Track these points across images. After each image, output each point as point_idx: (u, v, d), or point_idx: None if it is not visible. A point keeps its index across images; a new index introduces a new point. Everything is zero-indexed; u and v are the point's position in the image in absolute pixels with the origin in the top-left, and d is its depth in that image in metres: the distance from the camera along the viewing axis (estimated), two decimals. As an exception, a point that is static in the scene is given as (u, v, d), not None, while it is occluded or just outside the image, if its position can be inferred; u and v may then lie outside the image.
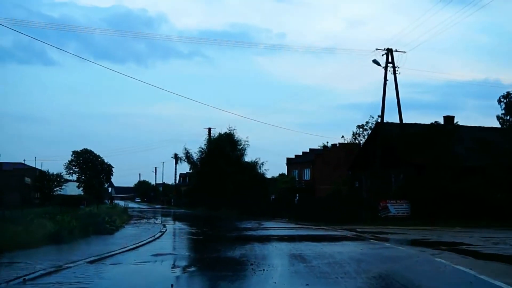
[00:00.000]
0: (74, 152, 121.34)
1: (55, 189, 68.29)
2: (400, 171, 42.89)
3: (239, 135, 68.94)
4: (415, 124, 45.58)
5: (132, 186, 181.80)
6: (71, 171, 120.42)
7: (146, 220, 42.56)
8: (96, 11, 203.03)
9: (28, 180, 65.32)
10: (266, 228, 32.99)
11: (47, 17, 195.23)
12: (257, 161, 67.84)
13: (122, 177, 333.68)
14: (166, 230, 29.32)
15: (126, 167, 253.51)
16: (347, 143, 70.27)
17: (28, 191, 67.11)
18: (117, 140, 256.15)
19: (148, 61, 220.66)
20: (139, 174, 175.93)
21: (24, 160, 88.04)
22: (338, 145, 75.35)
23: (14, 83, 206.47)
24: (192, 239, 26.18)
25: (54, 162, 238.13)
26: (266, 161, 68.70)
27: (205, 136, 70.40)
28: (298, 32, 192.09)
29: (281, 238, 24.33)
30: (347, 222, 37.03)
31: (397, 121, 44.03)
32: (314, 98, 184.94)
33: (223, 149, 66.45)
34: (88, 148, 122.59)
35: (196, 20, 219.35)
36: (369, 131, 54.81)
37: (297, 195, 51.20)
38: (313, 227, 34.52)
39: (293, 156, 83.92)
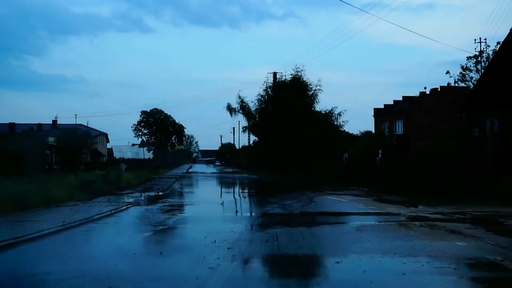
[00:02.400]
0: (143, 112, 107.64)
1: (82, 151, 53.53)
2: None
3: (309, 77, 50.92)
4: None
5: (217, 149, 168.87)
6: (140, 133, 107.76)
7: (140, 194, 26.29)
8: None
9: (52, 140, 51.32)
10: (302, 219, 15.45)
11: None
12: (332, 111, 49.67)
13: (208, 139, 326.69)
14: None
15: (211, 130, 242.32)
16: (453, 86, 50.81)
17: (51, 155, 53.21)
18: (202, 105, 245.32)
19: (242, 24, 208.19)
20: (221, 136, 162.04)
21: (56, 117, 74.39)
22: (439, 89, 55.87)
23: (112, 50, 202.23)
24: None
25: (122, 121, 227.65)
26: (344, 110, 50.32)
27: (265, 80, 52.53)
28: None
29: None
30: (466, 197, 19.01)
31: None
32: (411, 57, 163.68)
33: (287, 96, 48.95)
34: (159, 108, 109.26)
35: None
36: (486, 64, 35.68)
37: (380, 151, 33.14)
38: (404, 211, 16.64)
39: (382, 107, 64.85)
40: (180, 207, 20.10)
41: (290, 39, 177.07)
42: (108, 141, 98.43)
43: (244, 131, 52.02)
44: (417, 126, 54.71)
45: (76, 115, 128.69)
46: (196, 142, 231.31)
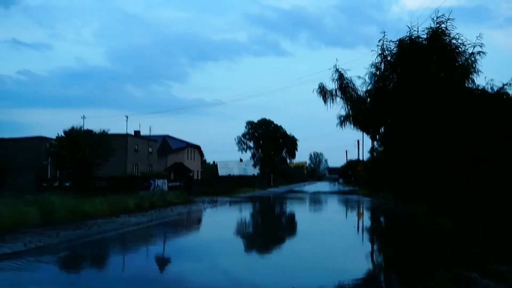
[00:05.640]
0: (248, 123, 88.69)
1: (96, 161, 33.16)
2: None
3: (458, 33, 27.81)
4: None
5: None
6: (244, 147, 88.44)
7: None
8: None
9: (51, 147, 32.44)
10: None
11: (278, 10, 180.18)
12: (503, 89, 26.00)
13: (338, 156, 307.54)
14: None
15: (341, 147, 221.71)
16: None
17: (54, 167, 34.62)
18: (332, 123, 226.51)
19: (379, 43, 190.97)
20: (346, 151, 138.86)
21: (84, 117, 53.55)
22: None
23: (248, 74, 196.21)
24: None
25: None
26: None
27: (380, 38, 29.66)
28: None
29: None
30: None
31: None
32: None
33: (422, 63, 26.52)
34: (268, 118, 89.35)
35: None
36: None
37: None
38: None
39: None
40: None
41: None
42: (202, 156, 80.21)
43: (341, 123, 29.44)
44: None
45: (150, 127, 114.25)
46: (325, 160, 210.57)
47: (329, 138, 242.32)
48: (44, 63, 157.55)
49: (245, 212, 25.05)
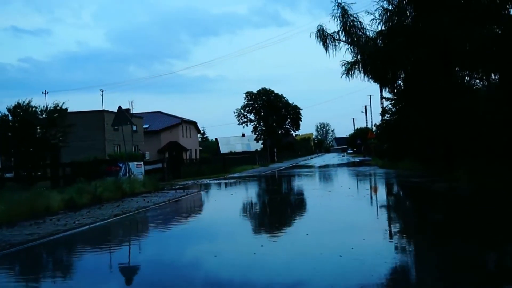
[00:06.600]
0: (248, 93, 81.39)
1: (55, 141, 26.55)
2: None
3: None
4: None
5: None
6: (245, 120, 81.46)
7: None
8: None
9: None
10: None
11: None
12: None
13: (345, 126, 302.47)
14: None
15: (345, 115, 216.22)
16: None
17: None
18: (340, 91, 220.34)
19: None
20: (353, 119, 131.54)
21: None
22: None
23: (250, 47, 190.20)
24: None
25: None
26: None
27: None
28: None
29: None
30: None
31: None
32: None
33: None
34: (268, 88, 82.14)
35: None
36: None
37: None
38: None
39: None
40: None
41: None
42: (199, 132, 73.52)
43: (348, 71, 22.45)
44: None
45: (132, 101, 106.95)
46: (332, 130, 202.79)
47: (335, 106, 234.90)
48: (45, 49, 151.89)
49: (226, 206, 17.94)
